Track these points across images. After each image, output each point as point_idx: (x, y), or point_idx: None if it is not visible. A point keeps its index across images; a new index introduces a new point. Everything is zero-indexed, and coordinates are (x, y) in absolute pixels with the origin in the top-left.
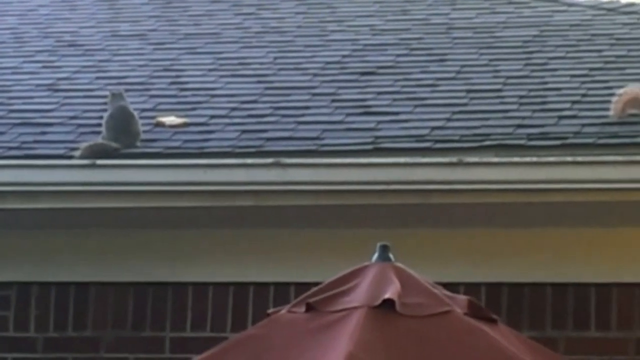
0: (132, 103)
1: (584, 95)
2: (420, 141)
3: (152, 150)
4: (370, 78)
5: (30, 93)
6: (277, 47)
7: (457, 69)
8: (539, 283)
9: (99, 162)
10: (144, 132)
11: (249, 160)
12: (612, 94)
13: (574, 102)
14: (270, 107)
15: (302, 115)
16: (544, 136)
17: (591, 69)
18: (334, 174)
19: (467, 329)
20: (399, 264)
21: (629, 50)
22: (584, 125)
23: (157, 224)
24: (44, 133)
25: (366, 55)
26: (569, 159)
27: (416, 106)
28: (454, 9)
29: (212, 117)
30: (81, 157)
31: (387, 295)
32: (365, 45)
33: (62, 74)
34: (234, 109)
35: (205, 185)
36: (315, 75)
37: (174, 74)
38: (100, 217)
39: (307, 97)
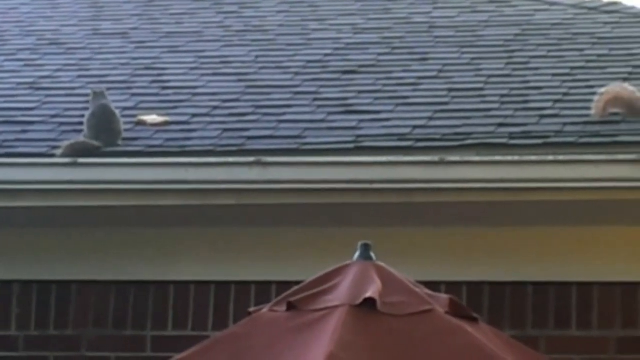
0: (113, 101)
1: (565, 94)
2: (402, 140)
3: (133, 149)
4: (352, 77)
5: (12, 91)
6: (258, 45)
7: (438, 67)
8: (520, 282)
9: (81, 160)
10: (126, 130)
11: (231, 159)
12: (593, 93)
13: (555, 101)
14: (252, 106)
15: (284, 114)
16: (525, 135)
17: (573, 68)
18: (316, 172)
19: (448, 328)
20: (381, 263)
21: (611, 50)
22: (565, 124)
23: (139, 222)
24: (25, 131)
25: (348, 54)
26: (551, 157)
27: (398, 105)
28: (436, 8)
29: (194, 115)
30: (63, 155)
31: (368, 294)
32: (347, 44)
33: (44, 72)
34: (215, 107)
35: (186, 184)
36: (296, 74)
37: (155, 72)
38: (82, 216)
39: (288, 96)
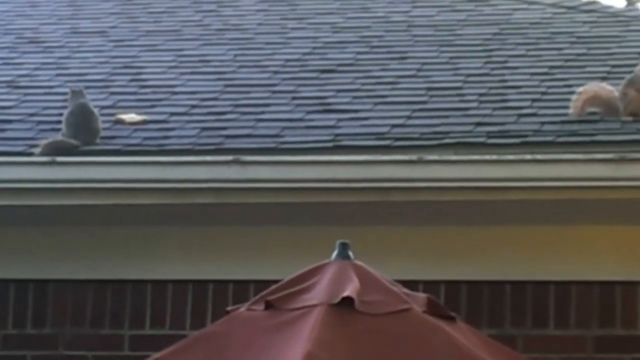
0: (92, 100)
1: (543, 93)
2: (380, 139)
3: (111, 148)
4: (331, 76)
5: None
6: (237, 44)
7: (417, 66)
8: (497, 281)
9: (59, 159)
10: (104, 129)
11: (209, 158)
12: (571, 92)
13: (533, 100)
14: (230, 105)
15: (262, 112)
16: (503, 134)
17: (551, 67)
18: (294, 171)
19: (426, 327)
20: (359, 262)
21: (589, 49)
22: (543, 123)
23: (117, 221)
24: (3, 130)
25: (326, 53)
26: (529, 157)
27: (376, 104)
28: (415, 7)
29: (172, 114)
30: (41, 154)
31: (346, 293)
32: (326, 42)
33: (22, 70)
34: (194, 106)
35: (164, 183)
36: (275, 72)
37: (134, 71)
38: (60, 215)
39: (267, 95)
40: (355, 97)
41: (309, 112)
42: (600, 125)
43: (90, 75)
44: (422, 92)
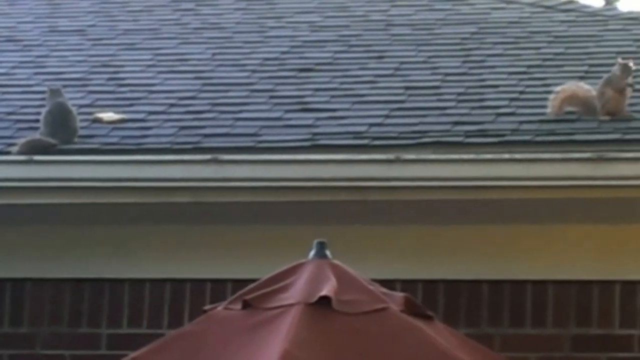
0: (70, 99)
1: (521, 92)
2: (358, 138)
3: (89, 146)
4: (309, 74)
5: None
6: (215, 43)
7: (395, 65)
8: (475, 280)
9: (37, 157)
10: (82, 128)
11: (187, 157)
12: (549, 92)
13: (511, 100)
14: (208, 104)
15: (240, 111)
16: (481, 133)
17: (529, 67)
18: (272, 170)
19: (403, 326)
20: (336, 261)
21: (567, 48)
22: (521, 122)
23: (94, 220)
24: None
25: (305, 52)
26: (506, 156)
27: (354, 103)
28: (393, 6)
29: (150, 113)
30: (18, 153)
31: (323, 293)
32: (304, 41)
33: (0, 69)
34: (172, 105)
35: (142, 182)
36: (253, 71)
37: (112, 69)
38: (37, 213)
39: (245, 94)
40: (333, 96)
41: (287, 111)
42: (578, 125)
43: (68, 73)
44: (400, 91)
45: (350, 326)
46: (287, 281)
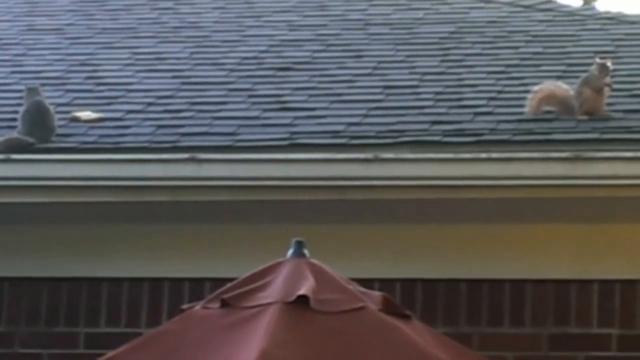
0: (48, 97)
1: (499, 92)
2: (336, 137)
3: (67, 145)
4: (287, 74)
5: None
6: (194, 42)
7: (373, 65)
8: (453, 279)
9: (14, 156)
10: (60, 126)
11: (165, 156)
12: (527, 91)
13: (489, 99)
14: (187, 103)
15: (219, 110)
16: (459, 133)
17: (507, 66)
18: (250, 169)
19: (381, 325)
20: (314, 260)
21: (545, 48)
22: (499, 122)
23: (72, 219)
24: None
25: (283, 51)
26: (484, 155)
27: (332, 102)
28: (371, 5)
29: (128, 112)
30: None
31: (301, 292)
32: (282, 40)
33: None
34: (150, 104)
35: (120, 181)
36: (231, 70)
37: (90, 68)
38: (15, 212)
39: (223, 93)
40: (311, 95)
41: (265, 110)
42: (556, 124)
43: (46, 72)
44: (379, 90)
45: (328, 325)
46: (265, 280)
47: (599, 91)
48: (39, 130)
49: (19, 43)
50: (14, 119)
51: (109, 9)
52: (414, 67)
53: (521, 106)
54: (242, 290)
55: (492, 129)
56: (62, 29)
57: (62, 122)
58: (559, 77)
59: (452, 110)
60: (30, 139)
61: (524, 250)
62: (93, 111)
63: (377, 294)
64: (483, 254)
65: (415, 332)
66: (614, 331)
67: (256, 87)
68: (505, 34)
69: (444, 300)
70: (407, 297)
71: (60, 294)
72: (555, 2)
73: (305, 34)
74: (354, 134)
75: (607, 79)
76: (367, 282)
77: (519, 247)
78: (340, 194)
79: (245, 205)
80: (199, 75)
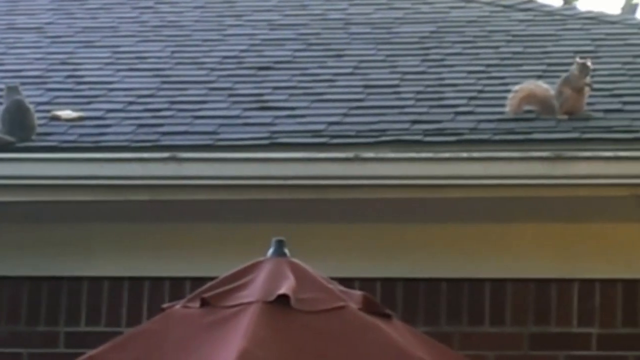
0: (28, 96)
1: (480, 91)
2: (317, 136)
3: (47, 144)
4: (268, 73)
5: None
6: (174, 41)
7: (354, 64)
8: (433, 278)
9: None
10: (40, 125)
11: (145, 155)
12: (508, 91)
13: (470, 98)
14: (167, 102)
15: (199, 109)
16: (440, 132)
17: (488, 66)
18: (231, 168)
19: (361, 324)
20: (295, 259)
21: (525, 47)
22: (480, 121)
23: (53, 218)
24: None
25: (264, 50)
26: (465, 154)
27: (313, 101)
28: (352, 5)
29: (109, 111)
30: None
31: (281, 291)
32: (263, 40)
33: None
34: (130, 103)
35: (101, 180)
36: (212, 69)
37: (70, 67)
38: None
39: (204, 92)
40: (292, 95)
41: (245, 109)
42: (536, 124)
43: (26, 71)
44: (359, 89)
45: (309, 324)
46: (246, 279)
47: (579, 91)
48: (19, 130)
49: None
50: None
51: (89, 7)
52: (395, 67)
53: (502, 106)
54: (222, 289)
55: (472, 129)
56: (42, 28)
57: (42, 121)
58: (539, 77)
59: (433, 110)
60: (10, 138)
61: (505, 249)
62: (73, 110)
63: (357, 293)
64: (464, 253)
65: (396, 331)
66: (594, 330)
67: (237, 86)
68: (485, 33)
69: (425, 300)
70: (388, 296)
71: (40, 293)
72: (536, 2)
73: (286, 33)
74: (334, 133)
75: (588, 79)
76: (347, 282)
77: (499, 246)
78: (320, 193)
79: (226, 204)
80: (180, 75)
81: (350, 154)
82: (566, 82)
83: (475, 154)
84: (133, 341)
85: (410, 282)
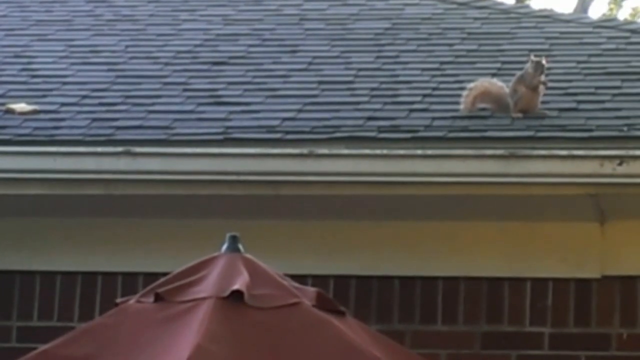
0: None
1: (434, 88)
2: (271, 132)
3: (1, 137)
4: (222, 68)
5: None
6: (128, 35)
7: (308, 60)
8: (387, 276)
9: None
10: None
11: (99, 149)
12: (462, 88)
13: (424, 96)
14: (121, 96)
15: (153, 104)
16: (394, 129)
17: (442, 63)
18: (184, 163)
19: (315, 321)
20: (249, 255)
21: (480, 45)
22: (434, 118)
23: (5, 211)
24: None
25: (218, 45)
26: (419, 152)
27: (267, 97)
28: (307, 0)
29: (63, 104)
30: None
31: (235, 287)
32: (218, 35)
33: None
34: (84, 96)
35: (55, 173)
36: (166, 64)
37: (24, 60)
38: None
39: (158, 86)
40: (246, 90)
41: (199, 104)
42: (491, 122)
43: None
44: (314, 85)
45: (263, 320)
46: (200, 275)
47: (534, 89)
48: None
49: None
50: None
51: (44, 1)
52: (349, 63)
53: (456, 103)
54: (176, 284)
55: (427, 126)
56: None
57: None
58: (494, 75)
59: (387, 107)
60: None
61: (458, 247)
62: (27, 103)
63: (311, 289)
64: (417, 250)
65: (349, 328)
66: (546, 329)
67: (191, 81)
68: (440, 30)
69: (378, 297)
70: (341, 293)
71: None
72: (491, 0)
73: (241, 28)
74: (288, 129)
75: (543, 77)
76: (301, 278)
77: (452, 244)
78: (274, 189)
79: (180, 199)
80: (134, 69)
81: (304, 150)
82: (521, 80)
83: (430, 152)
84: (86, 336)
85: (363, 280)
